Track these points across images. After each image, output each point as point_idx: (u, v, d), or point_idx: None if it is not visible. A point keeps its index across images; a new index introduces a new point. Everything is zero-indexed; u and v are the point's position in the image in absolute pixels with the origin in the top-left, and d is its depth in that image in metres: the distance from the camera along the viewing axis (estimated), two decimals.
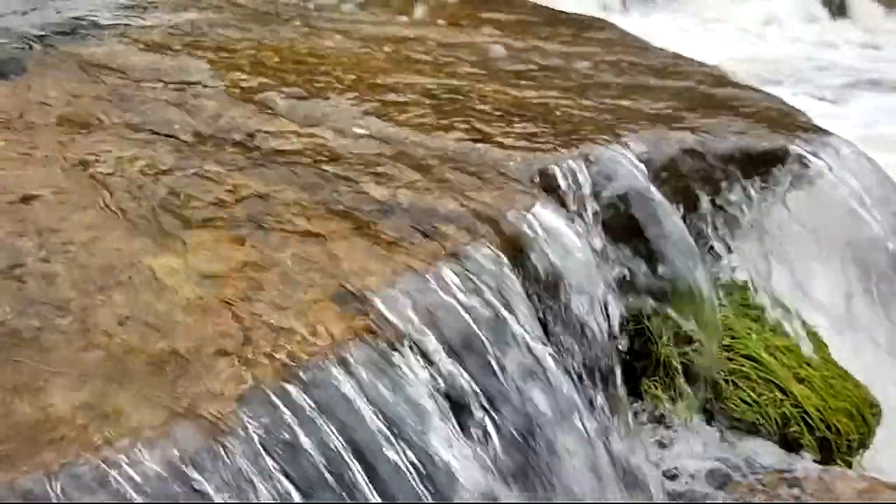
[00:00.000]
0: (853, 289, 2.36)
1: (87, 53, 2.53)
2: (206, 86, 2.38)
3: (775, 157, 2.34)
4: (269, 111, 2.26)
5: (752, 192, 2.30)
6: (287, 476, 1.42)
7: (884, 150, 2.77)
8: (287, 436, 1.44)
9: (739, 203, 2.28)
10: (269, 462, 1.42)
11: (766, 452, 2.11)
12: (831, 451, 2.19)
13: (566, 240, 1.94)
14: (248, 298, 1.63)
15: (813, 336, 2.32)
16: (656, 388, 2.13)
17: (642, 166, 2.17)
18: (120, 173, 1.96)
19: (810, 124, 2.53)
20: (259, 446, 1.42)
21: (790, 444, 2.15)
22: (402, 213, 1.89)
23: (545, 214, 1.95)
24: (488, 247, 1.83)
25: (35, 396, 1.41)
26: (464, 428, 1.61)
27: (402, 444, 1.52)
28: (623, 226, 2.08)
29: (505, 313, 1.77)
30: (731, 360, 2.18)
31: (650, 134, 2.27)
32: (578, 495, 1.71)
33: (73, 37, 2.63)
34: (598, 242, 2.03)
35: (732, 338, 2.21)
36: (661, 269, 2.09)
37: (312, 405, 1.48)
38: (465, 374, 1.67)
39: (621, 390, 1.94)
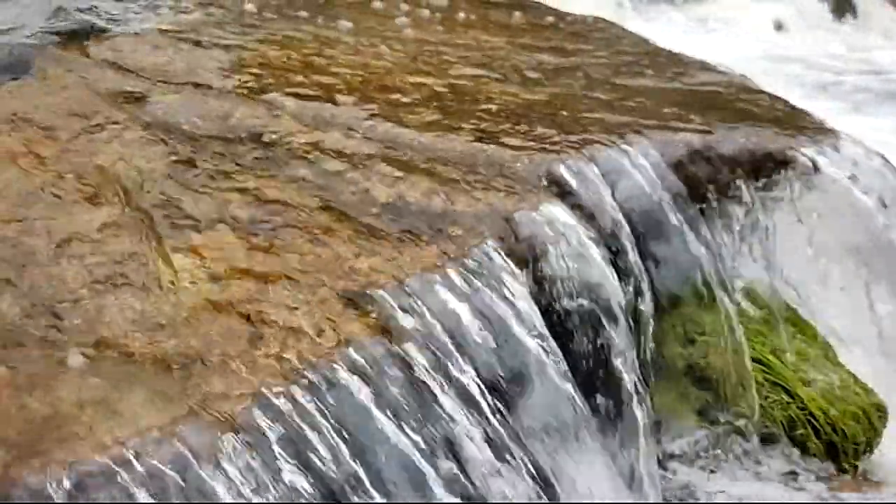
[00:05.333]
0: (863, 291, 2.35)
1: (97, 53, 2.53)
2: (214, 86, 2.38)
3: (784, 158, 2.34)
4: (278, 111, 2.27)
5: (761, 194, 2.30)
6: (295, 475, 1.43)
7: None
8: (296, 435, 1.45)
9: (747, 204, 2.28)
10: (278, 461, 1.42)
11: None
12: (837, 455, 2.19)
13: (574, 240, 1.94)
14: (257, 298, 1.64)
15: (821, 339, 2.32)
16: (664, 390, 2.13)
17: (650, 168, 2.17)
18: (129, 172, 1.97)
19: (819, 125, 2.52)
20: (267, 446, 1.42)
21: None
22: (410, 213, 1.89)
23: (553, 215, 1.96)
24: (496, 248, 1.83)
25: (44, 394, 1.42)
26: (474, 424, 1.62)
27: (410, 442, 1.52)
28: (631, 226, 2.08)
29: (511, 314, 1.77)
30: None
31: (657, 135, 2.27)
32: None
33: (83, 37, 2.63)
34: (605, 242, 2.02)
35: None
36: (668, 271, 2.10)
37: (321, 405, 1.49)
38: (473, 374, 1.67)
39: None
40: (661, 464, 2.04)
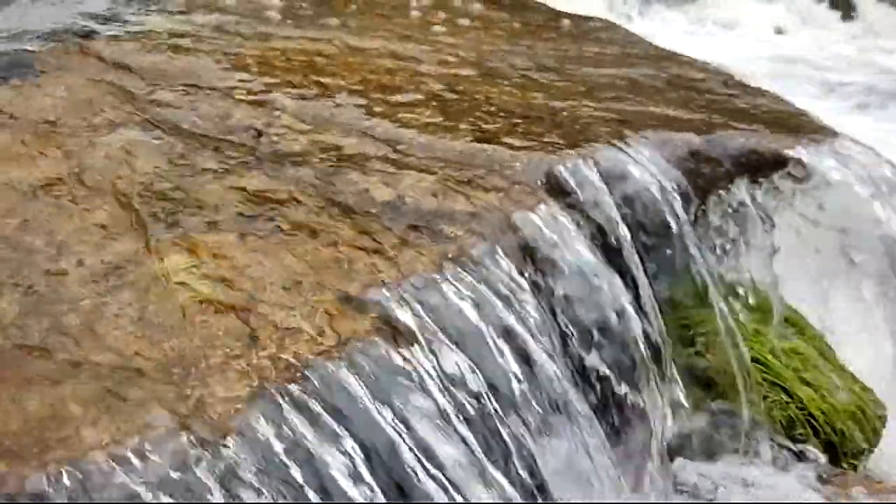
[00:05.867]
0: (862, 291, 2.36)
1: (97, 53, 2.54)
2: (214, 86, 2.39)
3: (783, 158, 2.34)
4: (277, 111, 2.27)
5: (760, 193, 2.30)
6: (293, 475, 1.43)
7: None
8: (294, 435, 1.45)
9: (747, 205, 2.28)
10: (277, 460, 1.42)
11: None
12: (837, 455, 2.19)
13: (572, 240, 1.94)
14: (255, 299, 1.64)
15: (820, 339, 2.32)
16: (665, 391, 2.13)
17: (649, 168, 2.17)
18: (128, 173, 1.97)
19: (820, 125, 2.53)
20: (266, 445, 1.43)
21: None
22: (409, 213, 1.89)
23: (551, 215, 1.96)
24: (494, 248, 1.83)
25: (44, 395, 1.42)
26: (471, 422, 1.62)
27: (409, 442, 1.53)
28: (629, 226, 2.09)
29: (510, 313, 1.77)
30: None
31: (657, 135, 2.27)
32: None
33: (83, 37, 2.64)
34: (604, 242, 2.03)
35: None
36: (667, 271, 2.10)
37: (319, 405, 1.49)
38: (472, 373, 1.67)
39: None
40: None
